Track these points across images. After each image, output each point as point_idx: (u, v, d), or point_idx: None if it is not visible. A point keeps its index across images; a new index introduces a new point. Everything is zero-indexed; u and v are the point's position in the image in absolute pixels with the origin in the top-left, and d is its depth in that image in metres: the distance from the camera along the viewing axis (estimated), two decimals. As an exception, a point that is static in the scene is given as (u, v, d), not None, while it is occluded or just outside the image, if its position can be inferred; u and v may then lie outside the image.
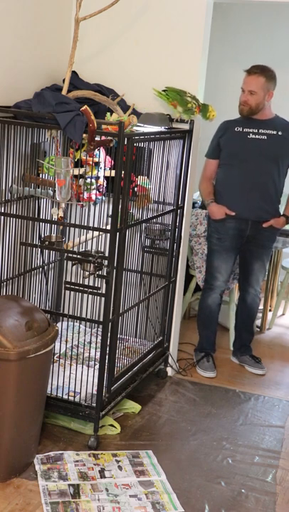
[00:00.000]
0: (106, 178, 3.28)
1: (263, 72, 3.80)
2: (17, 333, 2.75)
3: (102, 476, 2.94)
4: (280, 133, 3.90)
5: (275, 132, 3.89)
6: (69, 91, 3.35)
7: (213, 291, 4.17)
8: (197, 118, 3.67)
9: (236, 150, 3.95)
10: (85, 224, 3.12)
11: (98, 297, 3.28)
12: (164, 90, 3.57)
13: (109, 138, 3.02)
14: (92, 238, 3.37)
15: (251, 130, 3.90)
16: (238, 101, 3.91)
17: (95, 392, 3.23)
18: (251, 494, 2.95)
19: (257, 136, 3.89)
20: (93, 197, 3.20)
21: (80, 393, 3.26)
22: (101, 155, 3.20)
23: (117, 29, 3.71)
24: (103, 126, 3.09)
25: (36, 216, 3.46)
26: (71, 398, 3.23)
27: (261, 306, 4.94)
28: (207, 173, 4.11)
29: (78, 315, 3.34)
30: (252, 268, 4.16)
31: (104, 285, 3.05)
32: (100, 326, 3.34)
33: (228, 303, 4.64)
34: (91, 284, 3.13)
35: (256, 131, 3.89)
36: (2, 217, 3.25)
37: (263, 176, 3.93)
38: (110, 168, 3.27)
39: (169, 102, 3.53)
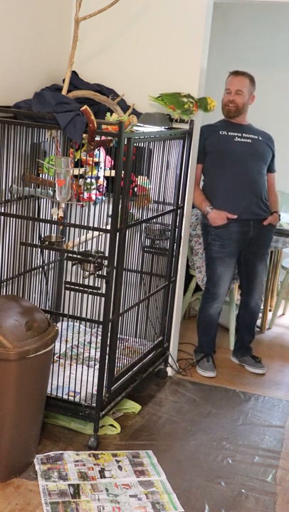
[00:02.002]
0: (106, 178, 3.28)
1: (247, 74, 4.00)
2: (17, 333, 2.75)
3: (102, 476, 2.94)
4: (260, 138, 4.05)
5: (256, 137, 4.05)
6: (69, 91, 3.35)
7: (215, 301, 4.14)
8: (197, 117, 3.67)
9: (225, 152, 4.00)
10: (85, 224, 3.12)
11: (98, 297, 3.28)
12: (158, 96, 3.56)
13: (109, 138, 3.02)
14: (92, 238, 3.36)
15: (236, 134, 4.01)
16: None
17: (95, 392, 3.22)
18: (251, 494, 2.95)
19: (243, 140, 4.00)
20: (93, 197, 3.20)
21: (80, 393, 3.26)
22: (101, 155, 3.20)
23: (117, 29, 3.71)
24: (103, 126, 3.09)
25: (36, 216, 3.46)
26: (71, 398, 3.23)
27: (261, 306, 4.93)
28: (195, 178, 4.09)
29: (78, 315, 3.34)
30: (256, 270, 4.16)
31: (104, 285, 3.05)
32: (100, 326, 3.34)
33: (228, 303, 4.64)
34: (91, 284, 3.13)
35: (240, 135, 4.01)
36: (2, 217, 3.25)
37: (255, 175, 4.00)
38: (110, 168, 3.27)
39: (167, 106, 3.53)
